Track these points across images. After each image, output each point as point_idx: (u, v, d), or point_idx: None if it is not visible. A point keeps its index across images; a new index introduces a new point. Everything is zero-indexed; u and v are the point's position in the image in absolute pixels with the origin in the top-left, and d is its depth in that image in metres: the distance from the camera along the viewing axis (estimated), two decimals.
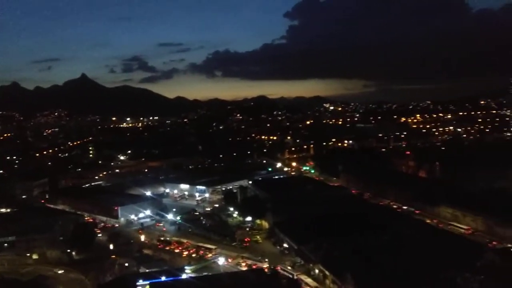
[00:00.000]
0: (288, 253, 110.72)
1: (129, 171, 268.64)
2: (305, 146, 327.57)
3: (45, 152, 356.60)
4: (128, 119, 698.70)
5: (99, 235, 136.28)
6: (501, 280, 74.44)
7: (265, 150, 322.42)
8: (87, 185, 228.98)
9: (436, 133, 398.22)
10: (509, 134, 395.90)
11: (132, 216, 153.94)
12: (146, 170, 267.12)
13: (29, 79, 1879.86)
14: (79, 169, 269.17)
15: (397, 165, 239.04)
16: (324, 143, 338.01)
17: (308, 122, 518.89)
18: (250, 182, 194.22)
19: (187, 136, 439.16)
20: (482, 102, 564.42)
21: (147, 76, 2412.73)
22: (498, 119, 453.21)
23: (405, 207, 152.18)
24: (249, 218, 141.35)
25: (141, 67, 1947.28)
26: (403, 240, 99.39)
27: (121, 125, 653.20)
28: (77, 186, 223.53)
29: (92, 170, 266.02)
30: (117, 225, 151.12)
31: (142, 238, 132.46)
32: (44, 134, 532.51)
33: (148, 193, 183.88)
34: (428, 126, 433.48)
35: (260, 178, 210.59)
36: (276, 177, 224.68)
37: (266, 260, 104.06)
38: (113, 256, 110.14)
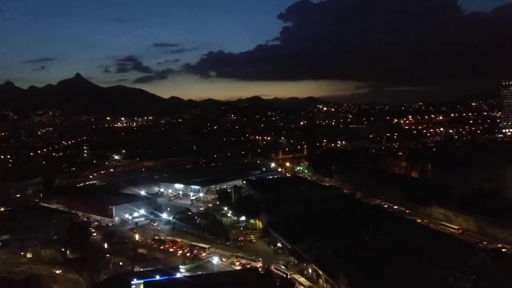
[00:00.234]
0: (282, 253, 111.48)
1: (124, 171, 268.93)
2: (298, 147, 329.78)
3: (39, 152, 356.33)
4: (122, 118, 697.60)
5: (94, 234, 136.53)
6: (493, 280, 75.66)
7: (259, 150, 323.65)
8: (81, 184, 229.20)
9: (428, 134, 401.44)
10: (500, 135, 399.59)
11: (127, 215, 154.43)
12: (140, 170, 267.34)
13: (23, 79, 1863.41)
14: (74, 169, 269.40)
15: (389, 165, 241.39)
16: (318, 144, 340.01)
17: (301, 123, 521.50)
18: (244, 182, 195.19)
19: (182, 136, 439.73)
20: (473, 103, 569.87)
21: (141, 76, 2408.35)
22: (489, 121, 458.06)
23: (396, 207, 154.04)
24: (243, 218, 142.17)
25: (135, 67, 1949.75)
26: (395, 240, 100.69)
27: (116, 125, 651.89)
28: (72, 185, 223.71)
29: (86, 170, 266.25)
30: (111, 224, 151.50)
31: (137, 237, 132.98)
32: (39, 133, 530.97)
33: (143, 193, 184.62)
34: (420, 127, 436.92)
35: (254, 178, 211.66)
36: (270, 177, 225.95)
37: (260, 259, 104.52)
38: (108, 255, 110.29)
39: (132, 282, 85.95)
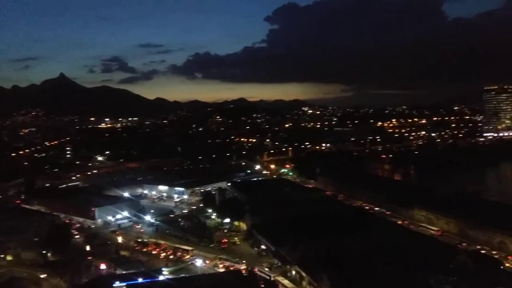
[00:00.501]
0: (266, 255, 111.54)
1: (107, 172, 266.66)
2: (283, 149, 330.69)
3: (21, 152, 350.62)
4: (107, 119, 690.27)
5: (76, 236, 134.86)
6: (473, 282, 76.71)
7: (244, 152, 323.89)
8: (63, 186, 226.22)
9: (411, 138, 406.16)
10: (481, 139, 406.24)
11: (109, 217, 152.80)
12: (124, 171, 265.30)
13: (6, 78, 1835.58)
14: (56, 170, 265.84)
15: (373, 168, 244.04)
16: (303, 146, 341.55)
17: (287, 125, 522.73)
18: (229, 184, 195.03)
19: (167, 138, 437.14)
20: (456, 107, 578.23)
21: (126, 76, 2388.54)
22: (470, 125, 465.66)
23: (377, 209, 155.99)
24: (227, 220, 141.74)
25: (120, 68, 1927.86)
26: (377, 241, 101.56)
27: (100, 126, 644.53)
28: (54, 187, 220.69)
29: (69, 171, 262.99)
30: (93, 226, 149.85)
31: (119, 239, 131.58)
32: (21, 133, 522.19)
33: (126, 194, 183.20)
34: (403, 131, 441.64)
35: (239, 180, 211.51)
36: (255, 179, 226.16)
37: (244, 261, 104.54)
38: (90, 258, 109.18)
39: (114, 285, 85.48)
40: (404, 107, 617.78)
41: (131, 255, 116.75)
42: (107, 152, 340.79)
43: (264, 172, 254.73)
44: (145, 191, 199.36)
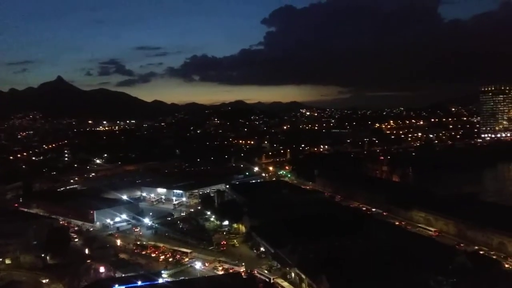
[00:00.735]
0: (265, 257, 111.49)
1: (105, 175, 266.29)
2: (282, 151, 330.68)
3: (19, 155, 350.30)
4: (104, 122, 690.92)
5: (75, 239, 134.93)
6: (473, 283, 76.88)
7: (242, 155, 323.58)
8: (62, 189, 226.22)
9: (409, 139, 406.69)
10: (479, 140, 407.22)
11: (108, 220, 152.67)
12: (122, 174, 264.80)
13: (3, 81, 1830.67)
14: (54, 173, 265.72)
15: (371, 169, 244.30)
16: (301, 148, 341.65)
17: (285, 127, 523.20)
18: (227, 186, 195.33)
19: (165, 140, 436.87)
20: (453, 109, 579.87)
21: (124, 79, 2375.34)
22: (468, 126, 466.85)
23: (374, 210, 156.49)
24: (226, 222, 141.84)
25: (118, 71, 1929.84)
26: (376, 242, 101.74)
27: (98, 129, 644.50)
28: (52, 190, 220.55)
29: (67, 174, 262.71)
30: (92, 229, 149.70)
31: (118, 242, 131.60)
32: (19, 136, 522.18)
33: (125, 197, 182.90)
34: (401, 132, 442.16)
35: (237, 182, 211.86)
36: (253, 181, 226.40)
37: (243, 264, 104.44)
38: (89, 261, 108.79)
39: None
40: (401, 108, 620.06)
41: (130, 258, 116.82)
42: (105, 155, 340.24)
43: (263, 174, 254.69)
44: (144, 194, 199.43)
